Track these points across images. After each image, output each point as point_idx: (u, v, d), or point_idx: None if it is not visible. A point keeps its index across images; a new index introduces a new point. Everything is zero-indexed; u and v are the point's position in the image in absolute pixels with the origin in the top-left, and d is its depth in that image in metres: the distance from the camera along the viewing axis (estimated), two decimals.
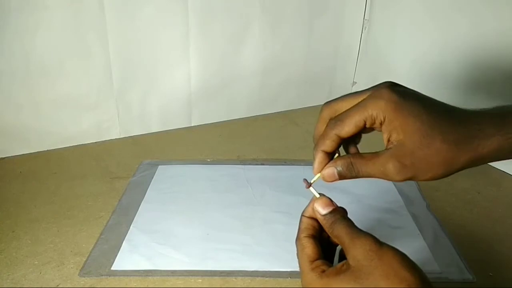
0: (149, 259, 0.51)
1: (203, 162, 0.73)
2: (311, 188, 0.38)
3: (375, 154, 0.36)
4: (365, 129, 0.36)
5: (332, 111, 0.38)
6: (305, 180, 0.39)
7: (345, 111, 0.36)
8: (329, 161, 0.37)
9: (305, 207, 0.38)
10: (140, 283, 0.48)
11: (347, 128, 0.36)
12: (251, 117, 0.91)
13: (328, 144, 0.37)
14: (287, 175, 0.69)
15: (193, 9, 0.76)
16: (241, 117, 0.90)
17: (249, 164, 0.73)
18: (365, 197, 0.63)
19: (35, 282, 0.48)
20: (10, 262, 0.50)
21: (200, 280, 0.48)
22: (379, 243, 0.32)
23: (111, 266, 0.50)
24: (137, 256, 0.51)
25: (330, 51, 0.95)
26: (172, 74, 0.80)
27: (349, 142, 0.38)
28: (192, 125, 0.87)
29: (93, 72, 0.74)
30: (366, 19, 0.92)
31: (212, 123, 0.88)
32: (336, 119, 0.36)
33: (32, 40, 0.67)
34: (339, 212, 0.36)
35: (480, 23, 0.70)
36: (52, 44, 0.69)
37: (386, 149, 0.35)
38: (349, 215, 0.37)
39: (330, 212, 0.36)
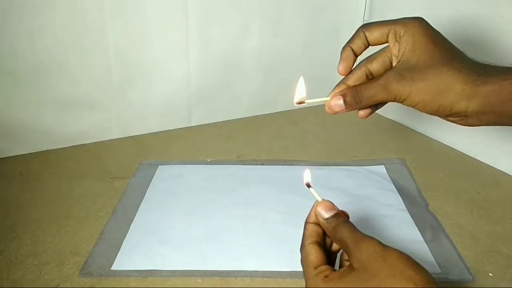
0: (149, 259, 0.51)
1: (203, 162, 0.73)
2: (312, 190, 0.38)
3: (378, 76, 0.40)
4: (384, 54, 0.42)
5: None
6: (307, 183, 0.39)
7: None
8: (353, 61, 0.42)
9: (302, 207, 0.38)
10: (140, 283, 0.48)
11: (373, 30, 0.41)
12: (251, 117, 0.91)
13: (355, 42, 0.42)
14: (287, 175, 0.69)
15: (193, 9, 0.76)
16: (241, 117, 0.90)
17: (249, 164, 0.72)
18: (365, 197, 0.63)
19: (35, 282, 0.48)
20: (10, 262, 0.50)
21: (200, 280, 0.48)
22: (383, 245, 0.32)
23: (111, 266, 0.50)
24: (137, 256, 0.51)
25: (330, 51, 0.95)
26: (172, 74, 0.80)
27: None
28: (192, 125, 0.87)
29: (93, 72, 0.73)
30: (365, 20, 0.92)
31: (212, 123, 0.88)
32: (367, 23, 0.42)
33: (32, 40, 0.67)
34: (341, 216, 0.36)
35: (485, 29, 0.70)
36: (52, 44, 0.69)
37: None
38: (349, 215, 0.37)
39: (333, 216, 0.36)
